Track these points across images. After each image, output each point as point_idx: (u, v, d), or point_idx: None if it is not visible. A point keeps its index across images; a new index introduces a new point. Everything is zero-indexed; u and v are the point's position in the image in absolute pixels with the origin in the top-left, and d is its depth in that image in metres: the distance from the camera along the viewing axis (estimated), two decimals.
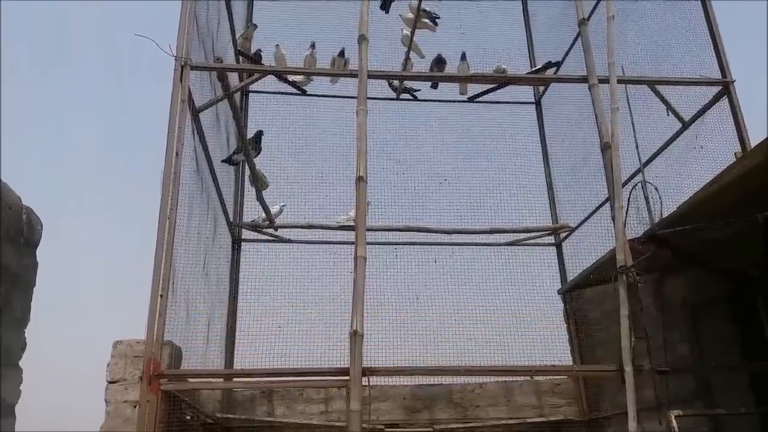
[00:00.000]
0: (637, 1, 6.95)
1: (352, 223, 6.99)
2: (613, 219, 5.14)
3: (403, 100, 8.41)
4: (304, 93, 8.27)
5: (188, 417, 5.72)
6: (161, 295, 4.59)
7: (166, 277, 4.67)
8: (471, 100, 8.43)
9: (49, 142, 20.27)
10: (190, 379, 5.27)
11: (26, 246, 3.46)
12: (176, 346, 5.31)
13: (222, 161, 6.62)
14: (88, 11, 21.49)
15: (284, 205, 7.63)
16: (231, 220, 7.55)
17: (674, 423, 4.53)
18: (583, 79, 5.86)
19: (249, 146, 6.64)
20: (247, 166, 6.97)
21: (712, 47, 6.23)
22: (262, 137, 7.16)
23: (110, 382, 6.19)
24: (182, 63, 5.32)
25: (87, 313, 16.57)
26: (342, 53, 7.44)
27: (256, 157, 6.83)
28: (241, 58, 7.84)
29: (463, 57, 7.69)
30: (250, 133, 7.30)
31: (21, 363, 3.38)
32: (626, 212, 5.32)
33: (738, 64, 6.11)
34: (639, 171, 6.21)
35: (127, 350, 6.30)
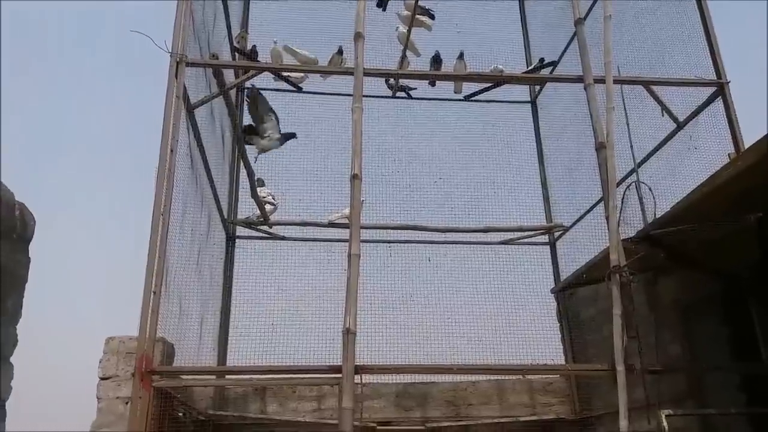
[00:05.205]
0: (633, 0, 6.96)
1: (344, 221, 7.04)
2: (607, 219, 5.15)
3: (399, 98, 8.39)
4: (299, 90, 8.25)
5: (180, 414, 5.71)
6: (154, 292, 4.58)
7: (159, 273, 4.66)
8: (467, 98, 8.42)
9: (41, 138, 20.19)
10: (183, 376, 5.26)
11: (19, 242, 3.45)
12: (169, 343, 5.31)
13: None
14: (85, 8, 21.42)
15: (278, 203, 7.62)
16: (225, 216, 7.53)
17: (665, 422, 4.56)
18: (579, 79, 5.86)
19: (242, 141, 6.67)
20: (242, 164, 6.97)
21: (707, 48, 6.23)
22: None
23: (102, 379, 6.17)
24: (177, 59, 5.30)
25: (80, 309, 16.53)
26: (340, 51, 7.41)
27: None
28: (236, 55, 7.82)
29: (461, 56, 7.67)
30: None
31: (12, 359, 3.37)
32: (620, 212, 5.33)
33: (733, 65, 6.14)
34: (633, 171, 6.23)
35: (120, 346, 6.28)
